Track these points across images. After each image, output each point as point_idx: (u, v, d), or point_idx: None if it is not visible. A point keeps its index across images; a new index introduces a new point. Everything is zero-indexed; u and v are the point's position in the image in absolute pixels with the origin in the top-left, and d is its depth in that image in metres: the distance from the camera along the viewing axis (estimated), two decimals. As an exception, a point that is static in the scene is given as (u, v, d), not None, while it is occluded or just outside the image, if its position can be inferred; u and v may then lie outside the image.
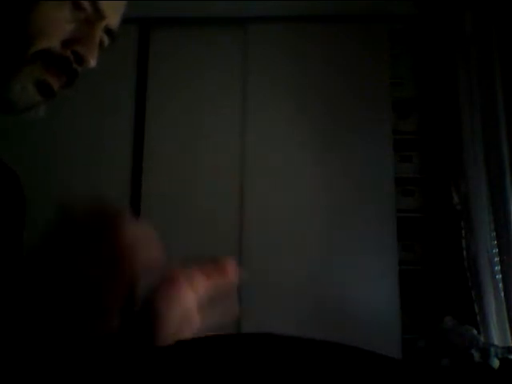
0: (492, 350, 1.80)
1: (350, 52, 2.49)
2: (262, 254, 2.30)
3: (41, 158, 2.41)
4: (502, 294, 2.06)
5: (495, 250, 2.12)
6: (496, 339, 2.03)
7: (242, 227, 2.36)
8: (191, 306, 0.57)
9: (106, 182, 2.41)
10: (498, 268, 2.10)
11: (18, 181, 0.79)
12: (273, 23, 2.52)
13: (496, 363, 1.75)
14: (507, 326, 2.01)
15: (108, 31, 0.71)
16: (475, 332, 1.93)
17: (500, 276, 2.07)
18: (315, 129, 2.42)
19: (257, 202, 2.38)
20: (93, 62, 0.68)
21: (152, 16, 2.54)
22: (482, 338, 1.98)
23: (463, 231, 2.28)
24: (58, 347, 0.45)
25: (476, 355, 1.79)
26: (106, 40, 0.72)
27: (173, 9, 2.49)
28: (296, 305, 2.25)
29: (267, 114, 2.45)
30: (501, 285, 2.08)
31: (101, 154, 2.44)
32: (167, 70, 2.53)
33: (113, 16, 0.70)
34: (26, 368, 0.44)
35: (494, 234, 2.12)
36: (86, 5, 0.66)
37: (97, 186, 2.40)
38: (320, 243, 2.32)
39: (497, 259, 2.11)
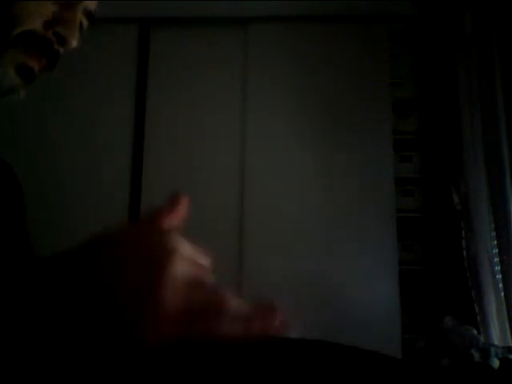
0: (492, 349, 1.80)
1: (350, 52, 2.49)
2: (262, 254, 2.29)
3: (40, 158, 2.41)
4: (502, 294, 2.06)
5: (495, 250, 2.12)
6: (496, 339, 2.03)
7: (242, 227, 2.36)
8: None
9: (105, 181, 2.41)
10: (498, 268, 2.10)
11: (11, 171, 0.79)
12: (273, 23, 2.52)
13: (496, 363, 1.75)
14: (507, 325, 2.01)
15: (87, 14, 0.72)
16: (475, 332, 1.93)
17: (500, 276, 2.07)
18: (315, 129, 2.42)
19: (257, 201, 2.38)
20: (74, 43, 0.69)
21: (152, 16, 2.54)
22: (481, 338, 1.97)
23: (463, 231, 2.28)
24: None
25: (476, 355, 1.79)
26: (85, 22, 0.73)
27: (173, 9, 2.49)
28: (296, 305, 2.24)
29: (267, 113, 2.45)
30: (501, 285, 2.08)
31: (100, 154, 2.44)
32: (167, 70, 2.52)
33: None
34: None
35: (494, 233, 2.12)
36: None
37: (97, 185, 2.40)
38: (320, 243, 2.32)
39: (497, 259, 2.11)
